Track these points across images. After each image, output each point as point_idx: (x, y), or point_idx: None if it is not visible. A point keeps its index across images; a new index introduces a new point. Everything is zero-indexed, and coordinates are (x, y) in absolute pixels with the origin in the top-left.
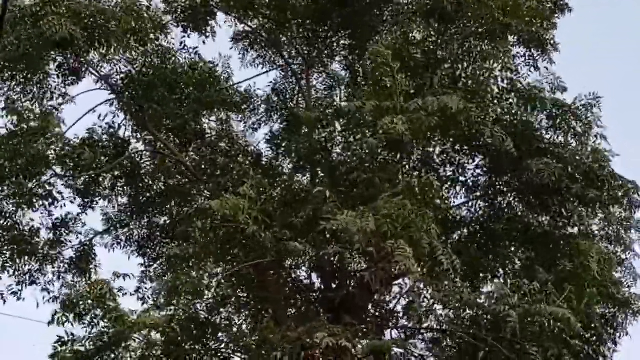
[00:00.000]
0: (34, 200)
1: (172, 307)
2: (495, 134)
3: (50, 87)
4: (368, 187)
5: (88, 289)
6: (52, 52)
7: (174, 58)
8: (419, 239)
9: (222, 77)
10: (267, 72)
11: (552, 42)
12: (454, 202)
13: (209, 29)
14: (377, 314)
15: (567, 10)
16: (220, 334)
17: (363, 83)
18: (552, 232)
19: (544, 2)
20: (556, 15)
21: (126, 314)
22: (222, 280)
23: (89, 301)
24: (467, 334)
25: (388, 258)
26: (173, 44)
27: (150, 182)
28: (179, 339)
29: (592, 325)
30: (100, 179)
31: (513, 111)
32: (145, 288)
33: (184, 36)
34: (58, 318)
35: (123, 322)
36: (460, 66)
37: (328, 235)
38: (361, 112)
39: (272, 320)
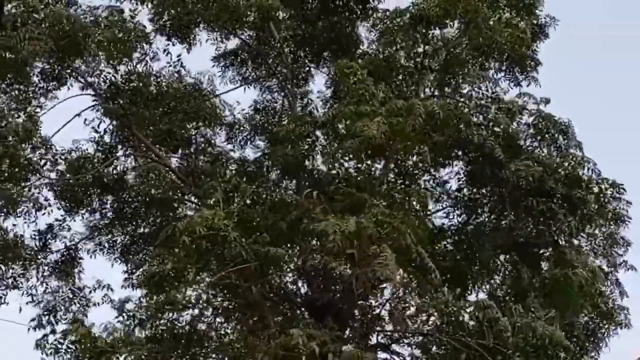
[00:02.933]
0: (18, 205)
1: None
2: (485, 138)
3: (33, 92)
4: (350, 196)
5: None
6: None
7: (159, 69)
8: (405, 245)
9: (207, 91)
10: (245, 86)
11: (533, 61)
12: (438, 209)
13: (192, 37)
14: (362, 318)
15: (545, 37)
16: (205, 342)
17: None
18: (538, 239)
19: (524, 26)
20: (535, 44)
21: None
22: (205, 291)
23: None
24: (452, 339)
25: (371, 262)
26: (157, 53)
27: (134, 192)
28: (163, 348)
29: (575, 334)
30: (87, 187)
31: (495, 119)
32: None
33: (168, 44)
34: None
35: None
36: (445, 75)
37: (313, 241)
38: (339, 119)
39: (256, 326)
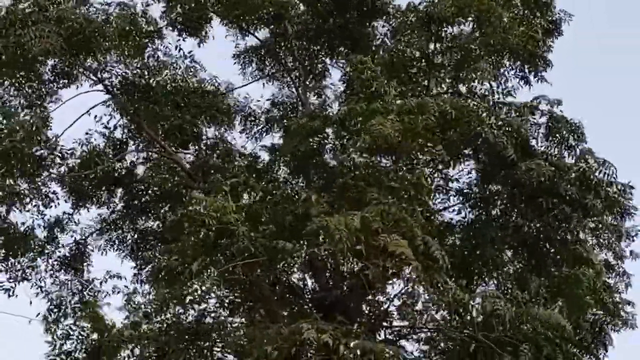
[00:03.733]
0: (27, 201)
1: (163, 317)
2: (498, 137)
3: (44, 90)
4: (359, 191)
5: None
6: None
7: (171, 64)
8: (412, 235)
9: (222, 86)
10: (263, 82)
11: (545, 61)
12: (447, 205)
13: (204, 33)
14: (370, 314)
15: (558, 34)
16: (212, 335)
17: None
18: (546, 237)
19: (537, 25)
20: (550, 40)
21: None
22: (212, 285)
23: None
24: (460, 333)
25: (381, 254)
26: (169, 49)
27: (144, 186)
28: (170, 342)
29: (583, 330)
30: (97, 183)
31: (508, 119)
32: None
33: (179, 39)
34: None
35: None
36: (457, 72)
37: (320, 237)
38: (352, 116)
39: (264, 320)
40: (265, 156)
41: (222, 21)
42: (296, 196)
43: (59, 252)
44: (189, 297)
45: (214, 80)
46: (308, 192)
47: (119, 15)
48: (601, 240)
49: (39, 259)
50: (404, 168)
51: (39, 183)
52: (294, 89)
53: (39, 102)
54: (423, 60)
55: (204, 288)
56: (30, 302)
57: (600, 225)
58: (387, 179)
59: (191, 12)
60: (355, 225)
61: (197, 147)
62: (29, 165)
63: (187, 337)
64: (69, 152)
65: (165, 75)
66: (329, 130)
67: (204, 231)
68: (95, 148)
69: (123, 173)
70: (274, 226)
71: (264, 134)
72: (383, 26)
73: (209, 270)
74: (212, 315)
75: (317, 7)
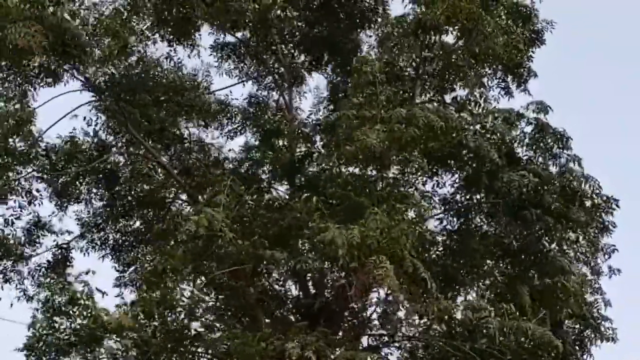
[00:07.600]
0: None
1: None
2: (482, 145)
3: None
4: (346, 200)
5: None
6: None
7: (156, 66)
8: (402, 257)
9: (202, 85)
10: (243, 81)
11: (528, 71)
12: (432, 215)
13: (192, 42)
14: (353, 322)
15: (541, 44)
16: (196, 342)
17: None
18: (528, 247)
19: (520, 35)
20: (531, 49)
21: (101, 314)
22: (198, 292)
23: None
24: (443, 343)
25: (368, 271)
26: (155, 52)
27: (127, 187)
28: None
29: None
30: (79, 181)
31: (493, 127)
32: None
33: (169, 47)
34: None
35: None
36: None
37: (306, 245)
38: (340, 124)
39: (248, 328)
40: (244, 157)
41: (209, 26)
42: (282, 203)
43: (43, 257)
44: (177, 300)
45: (194, 78)
46: (300, 201)
47: (108, 20)
48: (579, 255)
49: (20, 262)
50: (389, 178)
51: (21, 179)
52: (275, 92)
53: (22, 98)
54: (410, 68)
55: (190, 293)
56: (12, 305)
57: (580, 239)
58: (375, 189)
59: (180, 20)
60: (355, 240)
61: (179, 148)
62: (10, 159)
63: (172, 340)
64: (52, 148)
65: (148, 76)
66: (317, 138)
67: (194, 239)
68: (78, 145)
69: (105, 173)
70: (262, 235)
71: (239, 133)
72: (370, 36)
73: (195, 275)
74: (201, 320)
75: (305, 11)
